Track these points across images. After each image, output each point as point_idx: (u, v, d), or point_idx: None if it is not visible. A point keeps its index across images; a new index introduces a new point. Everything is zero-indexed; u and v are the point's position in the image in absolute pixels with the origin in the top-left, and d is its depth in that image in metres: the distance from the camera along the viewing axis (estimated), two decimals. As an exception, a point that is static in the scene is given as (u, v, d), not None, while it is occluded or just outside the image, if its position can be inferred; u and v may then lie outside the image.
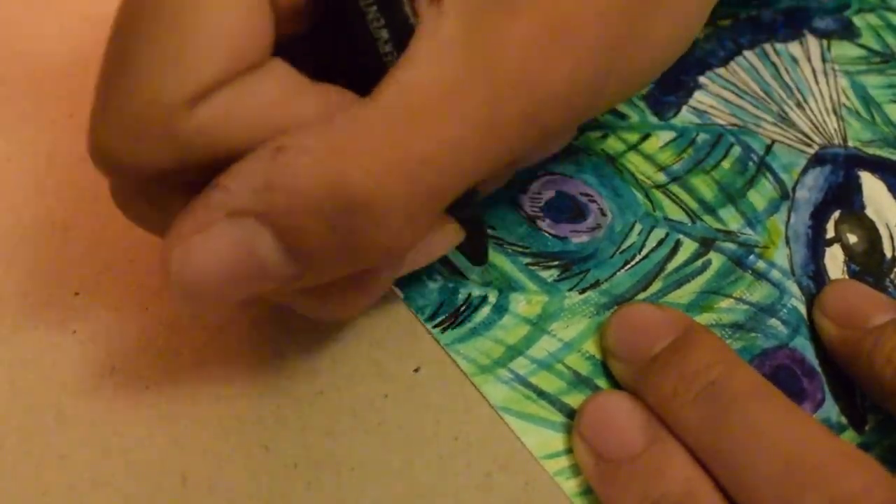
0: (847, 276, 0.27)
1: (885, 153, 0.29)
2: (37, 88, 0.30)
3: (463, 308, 0.26)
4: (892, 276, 0.27)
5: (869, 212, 0.28)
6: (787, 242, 0.27)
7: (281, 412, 0.24)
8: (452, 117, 0.17)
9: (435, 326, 0.25)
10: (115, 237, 0.27)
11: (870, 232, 0.28)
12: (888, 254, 0.27)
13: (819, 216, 0.28)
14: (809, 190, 0.28)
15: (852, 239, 0.28)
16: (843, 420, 0.25)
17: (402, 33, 0.18)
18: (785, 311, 0.26)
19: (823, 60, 0.31)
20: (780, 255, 0.27)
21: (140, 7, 0.17)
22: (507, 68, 0.18)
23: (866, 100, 0.31)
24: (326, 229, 0.17)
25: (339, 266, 0.19)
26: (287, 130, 0.17)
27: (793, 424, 0.21)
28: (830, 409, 0.25)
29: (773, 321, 0.26)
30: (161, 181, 0.18)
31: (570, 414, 0.24)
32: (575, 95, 0.19)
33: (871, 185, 0.29)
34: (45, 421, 0.23)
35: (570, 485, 0.23)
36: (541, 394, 0.24)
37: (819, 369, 0.25)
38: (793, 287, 0.27)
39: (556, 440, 0.24)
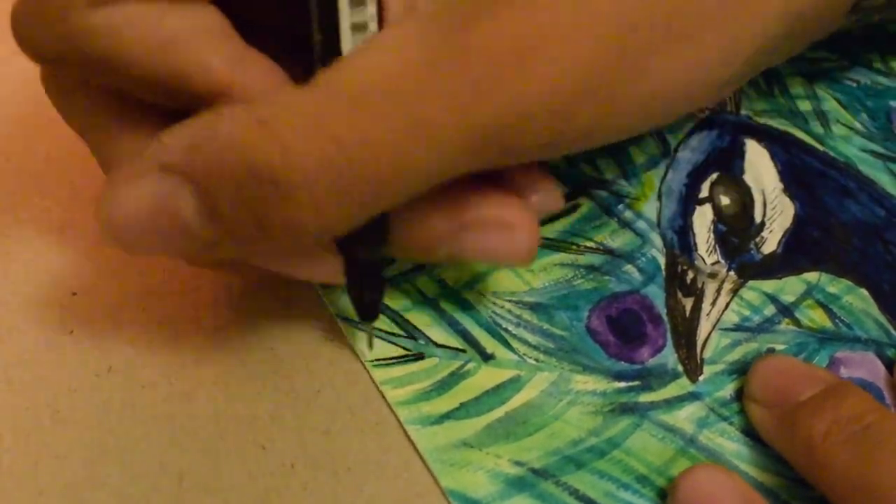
0: (713, 236, 0.28)
1: (775, 123, 0.30)
2: (35, 88, 0.30)
3: None
4: (757, 239, 0.28)
5: (747, 177, 0.29)
6: (659, 197, 0.28)
7: (278, 412, 0.24)
8: (381, 111, 0.17)
9: None
10: (113, 237, 0.27)
11: (744, 196, 0.28)
12: (757, 218, 0.28)
13: (696, 176, 0.29)
14: (692, 151, 0.29)
15: (725, 201, 0.28)
16: (679, 368, 0.25)
17: (331, 23, 0.19)
18: (644, 259, 0.27)
19: None
20: (650, 208, 0.28)
21: None
22: (451, 75, 0.18)
23: (768, 71, 0.31)
24: (238, 196, 0.18)
25: (248, 236, 0.19)
26: (185, 72, 0.19)
27: None
28: (668, 356, 0.26)
29: (630, 267, 0.27)
30: (71, 73, 0.20)
31: (409, 329, 0.25)
32: (522, 117, 0.18)
33: (755, 152, 0.30)
34: (41, 421, 0.23)
35: (395, 394, 0.24)
36: (383, 308, 0.25)
37: (666, 318, 0.26)
38: (656, 238, 0.27)
39: (388, 349, 0.25)
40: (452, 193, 0.21)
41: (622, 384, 0.25)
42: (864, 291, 0.27)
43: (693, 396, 0.25)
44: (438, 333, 0.25)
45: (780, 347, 0.26)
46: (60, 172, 0.28)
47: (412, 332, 0.25)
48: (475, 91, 0.18)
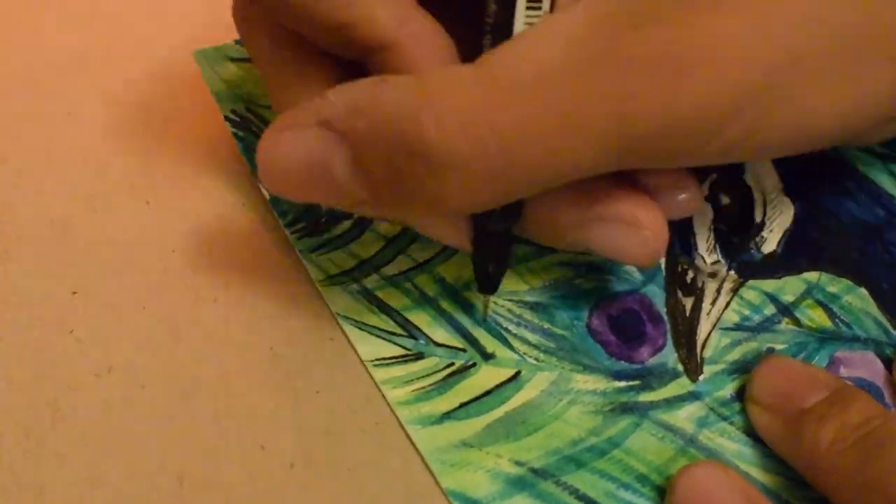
0: (713, 235, 0.28)
1: None
2: (35, 87, 0.30)
3: (324, 219, 0.27)
4: (757, 238, 0.28)
5: (747, 177, 0.29)
6: None
7: (278, 412, 0.24)
8: (540, 101, 0.18)
9: (293, 233, 0.26)
10: (113, 237, 0.27)
11: (744, 196, 0.29)
12: (757, 218, 0.28)
13: (696, 176, 0.29)
14: None
15: (725, 200, 0.28)
16: (679, 368, 0.25)
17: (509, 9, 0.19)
18: None
19: None
20: None
21: None
22: (610, 74, 0.18)
23: None
24: (389, 165, 0.19)
25: (393, 202, 0.20)
26: (355, 22, 0.20)
27: None
28: (668, 355, 0.26)
29: (630, 267, 0.27)
30: (258, 7, 0.22)
31: (409, 328, 0.25)
32: (673, 127, 0.19)
33: None
34: (42, 420, 0.23)
35: (395, 394, 0.24)
36: (383, 307, 0.25)
37: (666, 318, 0.26)
38: None
39: (388, 349, 0.25)
40: (587, 184, 0.21)
41: (622, 383, 0.25)
42: (864, 291, 0.27)
43: (693, 396, 0.25)
44: (439, 333, 0.25)
45: (779, 347, 0.26)
46: (61, 171, 0.28)
47: (412, 332, 0.25)
48: (633, 95, 0.18)
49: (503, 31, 0.19)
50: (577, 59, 0.18)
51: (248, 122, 0.29)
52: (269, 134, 0.20)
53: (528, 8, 0.19)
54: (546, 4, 0.19)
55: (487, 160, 0.18)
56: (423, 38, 0.20)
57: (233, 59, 0.31)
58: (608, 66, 0.18)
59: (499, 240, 0.23)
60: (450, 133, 0.18)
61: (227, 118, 0.29)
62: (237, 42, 0.31)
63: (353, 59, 0.22)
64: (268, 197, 0.27)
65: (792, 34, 0.19)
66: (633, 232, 0.22)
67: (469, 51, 0.20)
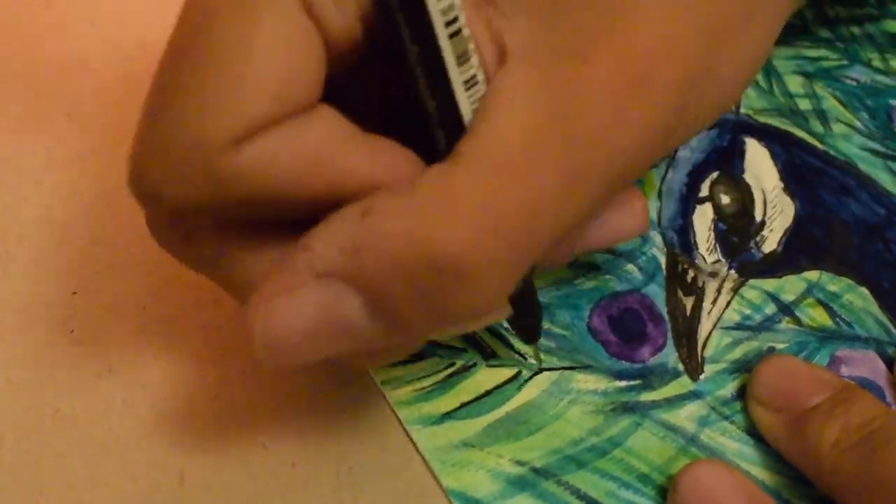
0: (713, 235, 0.28)
1: (775, 122, 0.30)
2: (36, 88, 0.30)
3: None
4: (757, 238, 0.28)
5: (747, 176, 0.29)
6: (660, 196, 0.28)
7: (279, 411, 0.24)
8: (537, 169, 0.17)
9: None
10: (113, 237, 0.27)
11: (744, 195, 0.29)
12: (758, 217, 0.28)
13: (696, 175, 0.29)
14: (692, 150, 0.29)
15: (725, 200, 0.28)
16: (680, 367, 0.25)
17: (442, 86, 0.18)
18: (644, 258, 0.27)
19: None
20: (650, 207, 0.28)
21: (189, 42, 0.17)
22: (584, 116, 0.18)
23: (768, 70, 0.31)
24: (415, 292, 0.17)
25: (426, 326, 0.18)
26: (333, 185, 0.17)
27: None
28: (669, 354, 0.26)
29: (630, 266, 0.27)
30: (197, 215, 0.19)
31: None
32: (651, 137, 0.19)
33: (755, 151, 0.30)
34: (42, 420, 0.23)
35: (396, 394, 0.24)
36: None
37: (666, 317, 0.26)
38: (656, 237, 0.28)
39: None
40: None
41: (623, 383, 0.25)
42: (865, 290, 0.27)
43: (694, 395, 0.25)
44: None
45: (780, 346, 0.26)
46: (61, 171, 0.28)
47: None
48: (609, 121, 0.18)
49: (452, 120, 0.18)
50: (547, 116, 0.17)
51: None
52: (258, 307, 0.18)
53: (467, 88, 0.18)
54: (480, 76, 0.18)
55: (514, 246, 0.17)
56: (396, 161, 0.18)
57: None
58: (579, 111, 0.18)
59: (525, 295, 0.23)
60: (471, 237, 0.17)
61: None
62: None
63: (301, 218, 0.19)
64: None
65: (696, 16, 0.19)
66: (624, 211, 0.23)
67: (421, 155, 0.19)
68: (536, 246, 0.18)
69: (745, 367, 0.25)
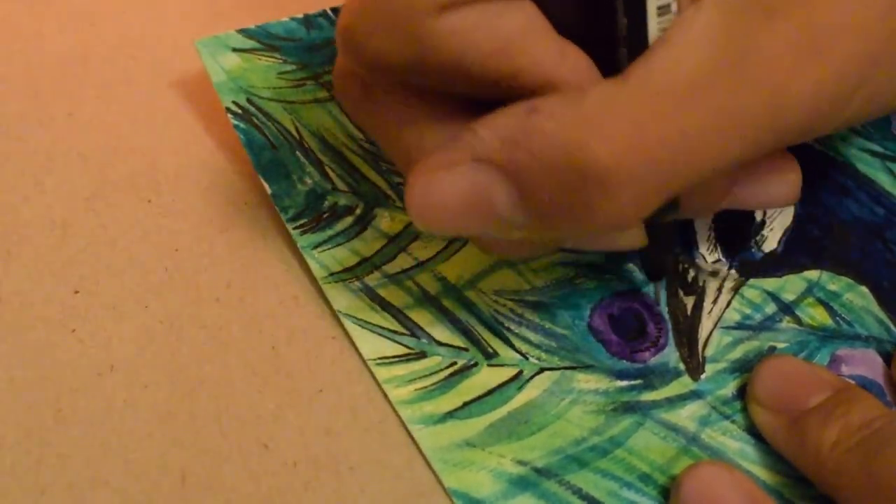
0: (714, 234, 0.28)
1: None
2: (36, 87, 0.30)
3: (326, 214, 0.27)
4: (757, 237, 0.28)
5: None
6: None
7: (280, 411, 0.24)
8: (699, 105, 0.18)
9: (295, 228, 0.26)
10: (114, 235, 0.27)
11: None
12: (758, 216, 0.29)
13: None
14: None
15: None
16: (681, 367, 0.25)
17: (639, 15, 0.19)
18: None
19: None
20: None
21: None
22: (758, 67, 0.18)
23: None
24: (559, 192, 0.18)
25: (561, 226, 0.19)
26: (521, 70, 0.19)
27: None
28: (670, 354, 0.26)
29: (631, 266, 0.27)
30: (388, 74, 0.20)
31: (411, 327, 0.25)
32: (819, 105, 0.19)
33: None
34: (43, 419, 0.23)
35: (397, 393, 0.24)
36: (385, 305, 0.25)
37: (667, 317, 0.26)
38: None
39: (390, 348, 0.25)
40: None
41: (624, 383, 0.25)
42: (865, 289, 0.27)
43: (695, 395, 0.25)
44: (440, 332, 0.25)
45: (781, 345, 0.26)
46: (61, 171, 0.28)
47: (414, 330, 0.25)
48: (783, 85, 0.19)
49: (638, 41, 0.19)
50: (723, 59, 0.18)
51: (250, 114, 0.29)
52: (420, 176, 0.19)
53: (659, 14, 0.19)
54: (674, 6, 0.19)
55: (659, 171, 0.18)
56: (580, 70, 0.20)
57: (235, 49, 0.31)
58: (754, 62, 0.18)
59: (664, 230, 0.24)
60: (621, 152, 0.18)
61: (228, 109, 0.29)
62: (239, 31, 0.31)
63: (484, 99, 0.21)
64: (270, 192, 0.27)
65: (880, 3, 0.20)
66: (778, 177, 0.24)
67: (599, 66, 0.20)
68: (679, 177, 0.19)
69: (745, 367, 0.25)
